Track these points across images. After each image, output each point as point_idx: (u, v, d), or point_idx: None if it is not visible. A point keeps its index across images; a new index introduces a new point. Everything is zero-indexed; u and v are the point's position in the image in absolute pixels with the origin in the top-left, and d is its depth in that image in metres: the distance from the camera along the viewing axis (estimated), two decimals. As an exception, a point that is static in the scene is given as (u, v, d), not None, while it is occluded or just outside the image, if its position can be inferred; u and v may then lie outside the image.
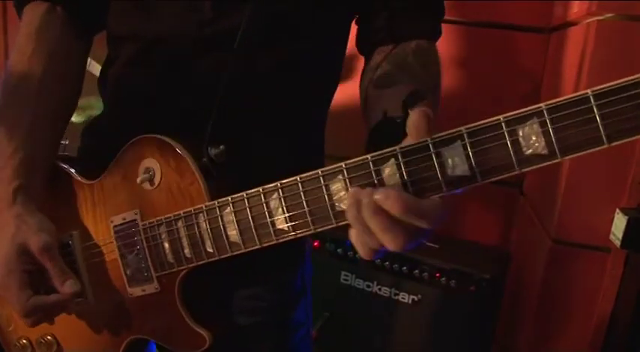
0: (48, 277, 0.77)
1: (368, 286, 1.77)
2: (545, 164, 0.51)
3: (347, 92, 1.01)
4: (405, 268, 1.71)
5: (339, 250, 1.79)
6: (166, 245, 0.75)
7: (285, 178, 0.63)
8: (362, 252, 0.58)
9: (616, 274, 1.42)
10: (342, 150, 0.87)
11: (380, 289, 1.76)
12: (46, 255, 0.76)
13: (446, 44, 2.00)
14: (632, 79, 0.46)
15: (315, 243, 1.82)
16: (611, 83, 0.47)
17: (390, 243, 0.54)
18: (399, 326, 1.74)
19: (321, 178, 0.60)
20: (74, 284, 0.77)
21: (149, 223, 0.76)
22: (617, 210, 1.36)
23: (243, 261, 0.72)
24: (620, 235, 1.32)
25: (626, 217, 1.31)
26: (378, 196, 0.54)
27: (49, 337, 0.88)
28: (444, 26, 0.87)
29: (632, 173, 1.37)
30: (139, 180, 0.76)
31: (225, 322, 0.83)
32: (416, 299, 1.71)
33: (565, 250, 1.49)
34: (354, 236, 0.58)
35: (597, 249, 1.45)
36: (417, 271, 1.69)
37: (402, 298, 1.73)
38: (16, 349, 0.91)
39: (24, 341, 0.90)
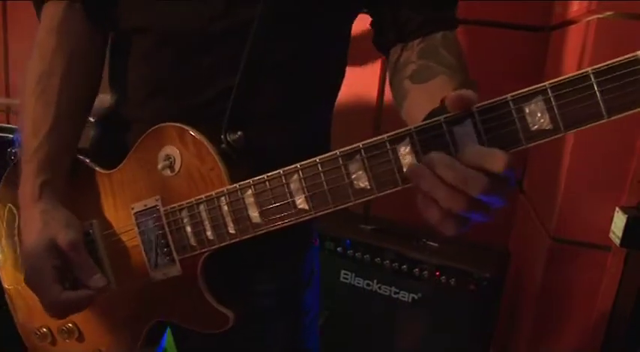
0: (74, 271, 0.79)
1: (368, 285, 1.78)
2: (550, 138, 0.54)
3: (349, 90, 1.01)
4: (404, 267, 1.71)
5: (338, 249, 1.80)
6: (188, 228, 0.77)
7: (301, 161, 0.66)
8: (450, 226, 0.57)
9: (616, 272, 1.42)
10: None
11: (380, 288, 1.76)
12: (73, 251, 0.78)
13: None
14: (628, 57, 0.50)
15: (315, 242, 1.82)
16: (610, 61, 0.50)
17: (474, 185, 0.53)
18: (399, 324, 1.74)
19: (339, 158, 0.63)
20: (101, 278, 0.79)
21: (171, 208, 0.79)
22: (617, 209, 1.36)
23: (258, 245, 0.75)
24: (619, 233, 1.32)
25: (626, 216, 1.31)
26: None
27: (70, 324, 0.90)
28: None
29: (632, 171, 1.37)
30: (159, 166, 0.79)
31: (243, 302, 0.85)
32: (416, 297, 1.71)
33: (565, 248, 1.49)
34: (436, 214, 0.56)
35: (597, 247, 1.45)
36: (416, 270, 1.70)
37: (402, 297, 1.73)
38: (36, 338, 0.92)
39: (44, 329, 0.91)
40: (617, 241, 1.33)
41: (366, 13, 0.89)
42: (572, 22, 1.57)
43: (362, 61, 1.92)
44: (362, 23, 0.90)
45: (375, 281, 1.76)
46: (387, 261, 1.73)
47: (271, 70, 0.81)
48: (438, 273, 1.67)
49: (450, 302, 1.67)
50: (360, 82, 2.00)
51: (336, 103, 0.95)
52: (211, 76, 0.80)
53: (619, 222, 1.34)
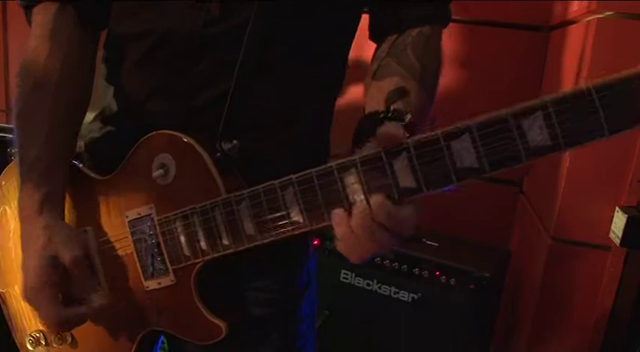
0: (75, 286, 0.79)
1: (368, 284, 1.77)
2: (550, 154, 0.52)
3: (351, 93, 1.01)
4: (404, 266, 1.71)
5: (338, 248, 1.79)
6: (182, 238, 0.76)
7: (295, 172, 0.64)
8: (352, 258, 0.63)
9: (615, 272, 1.42)
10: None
11: (380, 287, 1.76)
12: (76, 268, 0.77)
13: (445, 42, 2.00)
14: (629, 72, 0.48)
15: (315, 242, 1.81)
16: (612, 76, 0.48)
17: (378, 247, 0.60)
18: (399, 324, 1.74)
19: (335, 171, 0.61)
20: (102, 296, 0.79)
21: (164, 217, 0.77)
22: (617, 209, 1.36)
23: (254, 256, 0.74)
24: (619, 233, 1.32)
25: (626, 215, 1.31)
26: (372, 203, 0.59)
27: None
28: (443, 25, 0.88)
29: (632, 171, 1.37)
30: (153, 175, 0.77)
31: (238, 313, 0.85)
32: (416, 297, 1.71)
33: (565, 248, 1.49)
34: (344, 248, 0.62)
35: (597, 247, 1.45)
36: (416, 269, 1.70)
37: (402, 296, 1.73)
38: (29, 342, 0.92)
39: (37, 334, 0.91)
40: (617, 241, 1.33)
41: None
42: (572, 22, 1.57)
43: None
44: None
45: (375, 281, 1.76)
46: (387, 261, 1.73)
47: (266, 75, 0.80)
48: (438, 273, 1.67)
49: (450, 302, 1.66)
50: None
51: (345, 108, 0.94)
52: (207, 80, 0.79)
53: (619, 221, 1.34)
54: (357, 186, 0.60)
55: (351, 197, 0.61)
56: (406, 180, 0.58)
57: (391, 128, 0.58)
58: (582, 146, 0.51)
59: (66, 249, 0.77)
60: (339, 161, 0.61)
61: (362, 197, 0.60)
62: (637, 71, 0.48)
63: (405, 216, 0.58)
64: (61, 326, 0.79)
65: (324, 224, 0.64)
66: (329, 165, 0.61)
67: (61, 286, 0.78)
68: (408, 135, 0.59)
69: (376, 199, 0.58)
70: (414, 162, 0.57)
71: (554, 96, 0.51)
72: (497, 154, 0.54)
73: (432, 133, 0.56)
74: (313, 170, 0.63)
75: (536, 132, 0.52)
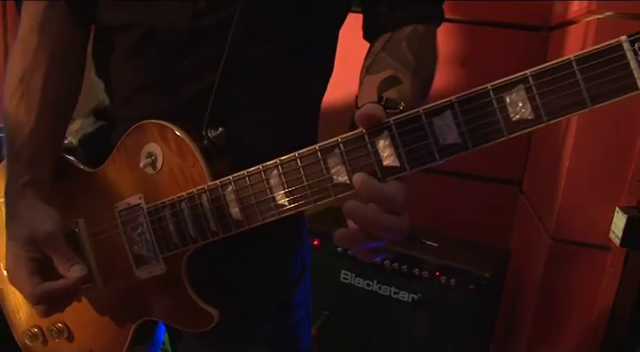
0: (54, 263, 0.78)
1: (368, 285, 1.78)
2: (533, 128, 0.53)
3: (341, 87, 1.01)
4: (404, 267, 1.71)
5: (338, 249, 1.79)
6: (171, 226, 0.76)
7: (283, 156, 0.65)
8: (363, 255, 0.63)
9: (615, 272, 1.42)
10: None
11: (380, 288, 1.76)
12: (50, 243, 0.77)
13: (445, 42, 2.00)
14: (611, 43, 0.48)
15: (315, 242, 1.82)
16: (592, 48, 0.49)
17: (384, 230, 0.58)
18: (399, 324, 1.74)
19: (318, 153, 0.62)
20: (81, 268, 0.77)
21: (153, 206, 0.78)
22: (617, 209, 1.36)
23: (245, 242, 0.74)
24: (619, 233, 1.32)
25: (626, 215, 1.31)
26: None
27: (59, 324, 0.90)
28: (443, 25, 0.88)
29: (632, 171, 1.37)
30: (141, 164, 0.78)
31: (230, 300, 0.84)
32: (416, 297, 1.71)
33: (565, 248, 1.49)
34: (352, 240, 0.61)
35: (597, 247, 1.45)
36: (416, 270, 1.70)
37: (402, 297, 1.73)
38: (27, 337, 0.92)
39: (35, 329, 0.91)
40: (617, 241, 1.33)
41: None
42: (572, 22, 1.57)
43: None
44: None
45: (375, 281, 1.76)
46: (387, 261, 1.73)
47: (253, 66, 0.81)
48: (437, 273, 1.67)
49: (450, 302, 1.66)
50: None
51: (334, 101, 0.94)
52: (196, 72, 0.80)
53: (619, 222, 1.34)
54: (340, 167, 0.61)
55: (335, 178, 0.61)
56: (389, 159, 0.58)
57: (369, 109, 0.58)
58: (564, 118, 0.51)
59: (40, 226, 0.77)
60: (322, 143, 0.61)
61: (346, 177, 0.60)
62: (617, 41, 0.48)
63: (390, 191, 0.57)
64: (41, 301, 0.77)
65: (309, 206, 0.64)
66: (312, 147, 0.62)
67: (40, 263, 0.78)
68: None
69: (357, 177, 0.58)
70: (397, 140, 0.57)
71: (535, 69, 0.51)
72: (480, 129, 0.54)
73: (414, 110, 0.56)
74: (297, 152, 0.63)
75: (518, 106, 0.52)
